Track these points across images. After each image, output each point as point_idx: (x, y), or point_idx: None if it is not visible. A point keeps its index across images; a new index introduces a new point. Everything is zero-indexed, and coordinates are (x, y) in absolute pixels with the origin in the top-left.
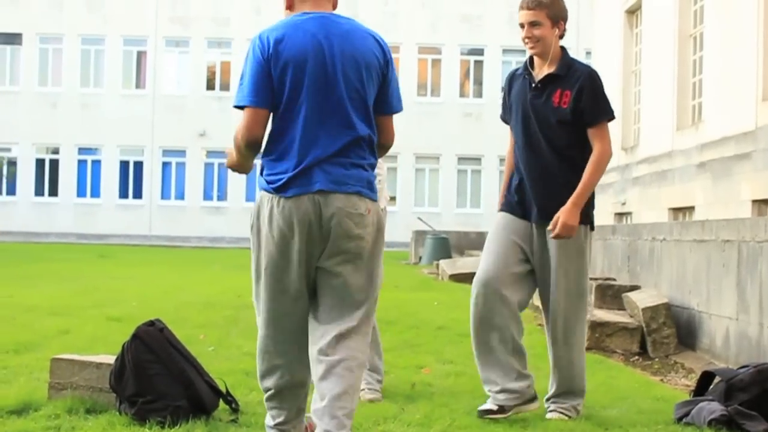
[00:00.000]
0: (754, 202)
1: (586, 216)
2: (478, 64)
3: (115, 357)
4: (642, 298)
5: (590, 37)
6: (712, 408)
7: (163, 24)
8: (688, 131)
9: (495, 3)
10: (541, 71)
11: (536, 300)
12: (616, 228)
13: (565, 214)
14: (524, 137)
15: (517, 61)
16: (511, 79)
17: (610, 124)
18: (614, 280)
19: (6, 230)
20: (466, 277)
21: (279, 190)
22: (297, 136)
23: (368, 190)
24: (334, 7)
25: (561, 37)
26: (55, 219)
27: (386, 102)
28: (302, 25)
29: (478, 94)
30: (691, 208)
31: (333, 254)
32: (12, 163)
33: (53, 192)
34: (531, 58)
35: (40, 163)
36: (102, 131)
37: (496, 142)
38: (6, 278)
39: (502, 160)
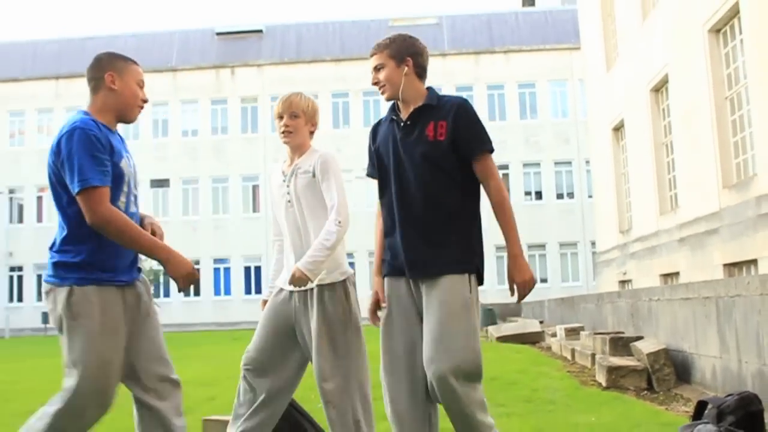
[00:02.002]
0: (725, 265)
1: (471, 263)
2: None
3: None
4: (645, 346)
5: (587, 149)
6: (708, 429)
7: (270, 164)
8: (669, 215)
9: (513, 129)
10: (408, 111)
11: (564, 351)
12: (620, 293)
13: (514, 273)
14: (396, 185)
15: (534, 172)
16: (376, 128)
17: (611, 211)
18: (623, 333)
19: (164, 323)
20: (509, 338)
21: None
22: None
23: (52, 277)
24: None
25: (418, 75)
26: (199, 313)
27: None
28: None
29: None
30: (677, 274)
31: None
32: (166, 274)
33: (197, 293)
34: (395, 104)
35: None
36: (230, 246)
37: (538, 229)
38: None
39: (531, 246)
